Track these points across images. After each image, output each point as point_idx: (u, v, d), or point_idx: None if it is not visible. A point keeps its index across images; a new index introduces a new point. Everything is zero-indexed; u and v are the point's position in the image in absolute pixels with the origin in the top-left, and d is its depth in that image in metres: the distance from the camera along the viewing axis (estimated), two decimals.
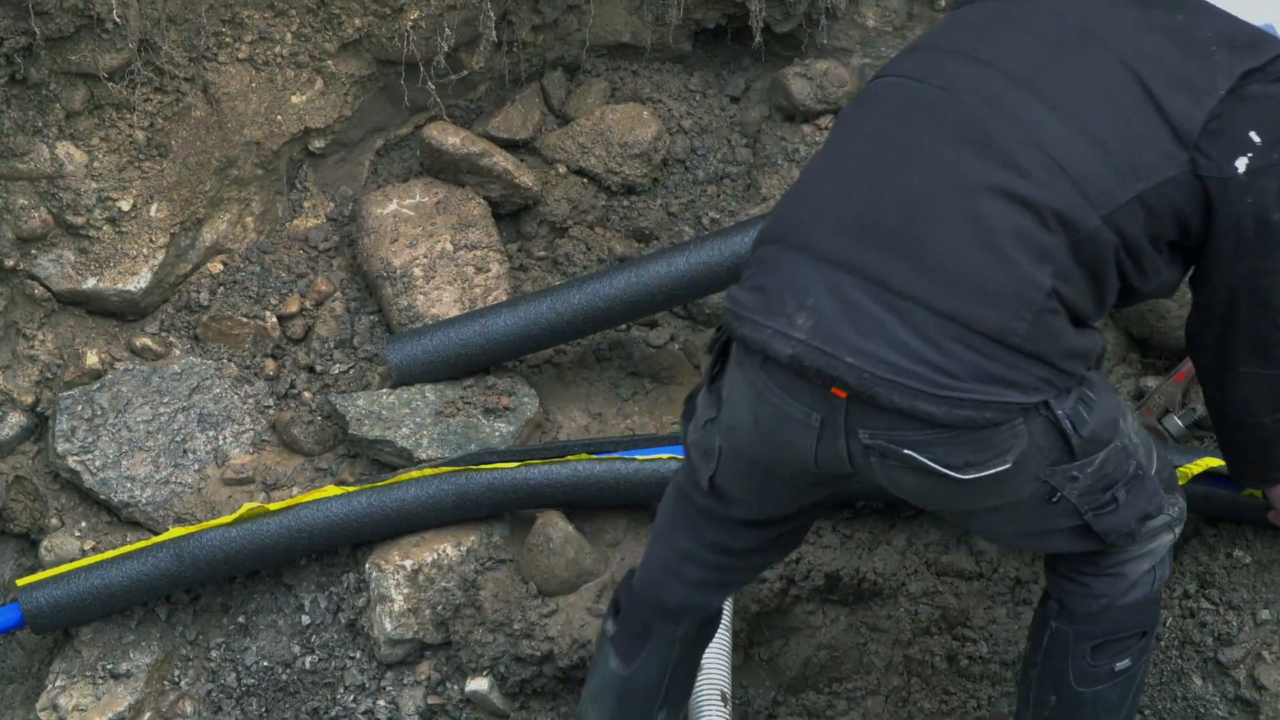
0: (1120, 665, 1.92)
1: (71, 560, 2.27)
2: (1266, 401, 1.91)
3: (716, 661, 2.29)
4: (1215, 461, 2.17)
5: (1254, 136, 1.67)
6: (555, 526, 2.36)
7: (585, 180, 2.49)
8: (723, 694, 2.28)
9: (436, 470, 2.28)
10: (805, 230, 1.68)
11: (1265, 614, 2.36)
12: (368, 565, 2.30)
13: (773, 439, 1.72)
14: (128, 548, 2.25)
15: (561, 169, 2.49)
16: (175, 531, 2.25)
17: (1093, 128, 1.65)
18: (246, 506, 2.25)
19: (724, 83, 2.59)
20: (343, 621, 2.35)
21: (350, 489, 2.28)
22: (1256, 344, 1.83)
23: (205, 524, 2.24)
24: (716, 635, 2.24)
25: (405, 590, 2.28)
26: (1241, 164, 1.67)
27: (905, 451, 1.62)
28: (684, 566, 1.96)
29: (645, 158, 2.47)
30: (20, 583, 2.21)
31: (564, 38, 2.51)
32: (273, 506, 2.26)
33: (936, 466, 1.62)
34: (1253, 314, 1.80)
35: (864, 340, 1.59)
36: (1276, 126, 1.69)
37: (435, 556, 2.29)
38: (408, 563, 2.28)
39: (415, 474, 2.27)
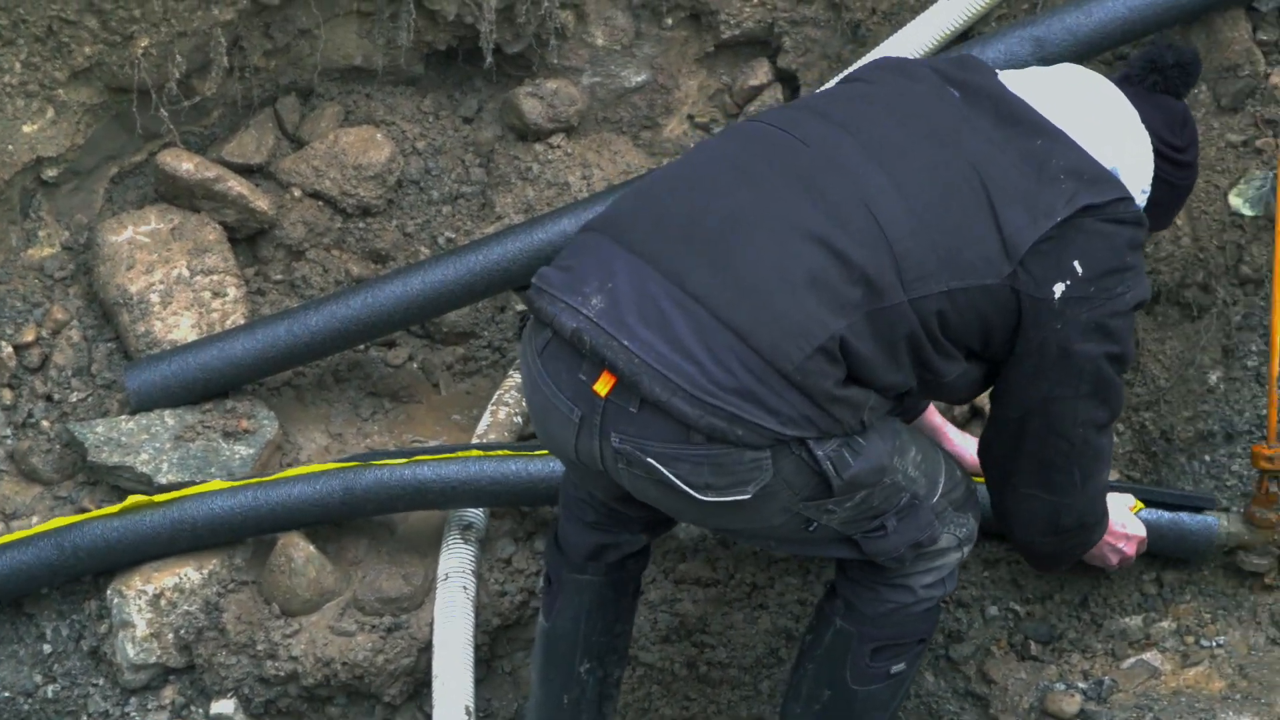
0: (896, 668, 2.63)
1: None
2: (1041, 525, 2.60)
3: (459, 675, 3.24)
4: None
5: (1077, 266, 2.30)
6: (297, 547, 3.24)
7: (321, 203, 3.39)
8: (466, 708, 3.23)
9: (324, 467, 3.14)
10: (625, 224, 2.32)
11: (993, 610, 3.24)
12: (109, 591, 3.09)
13: (544, 428, 2.40)
14: (8, 537, 3.08)
15: (297, 192, 3.39)
16: (57, 521, 3.07)
17: (926, 214, 2.26)
18: (131, 499, 3.04)
19: (457, 104, 3.50)
20: (85, 649, 3.15)
21: (235, 483, 3.12)
22: (1039, 468, 2.49)
23: (89, 514, 3.07)
24: (460, 648, 3.19)
25: (147, 615, 3.10)
26: (1059, 289, 2.30)
27: (649, 460, 2.23)
28: (581, 510, 2.70)
29: (380, 179, 3.38)
30: None
31: (296, 62, 3.39)
32: (159, 498, 3.06)
33: (677, 482, 2.23)
34: (1041, 438, 2.44)
35: (644, 329, 2.19)
36: (1100, 263, 2.32)
37: (177, 580, 3.11)
38: (149, 587, 3.10)
39: (303, 470, 3.14)
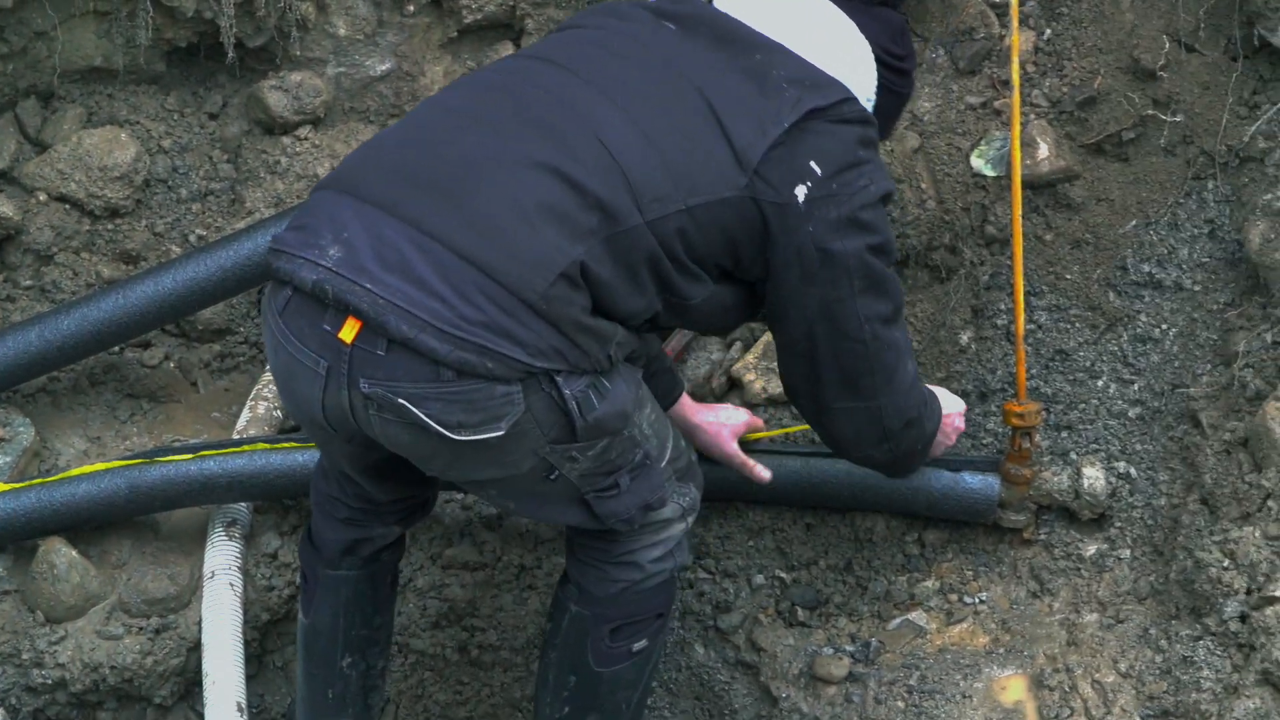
0: (638, 646, 3.15)
1: None
2: (869, 435, 3.08)
3: (229, 673, 3.94)
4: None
5: (814, 166, 2.75)
6: (58, 553, 3.90)
7: (68, 206, 4.02)
8: (238, 704, 3.92)
9: (108, 465, 3.75)
10: (356, 177, 2.71)
11: (759, 579, 3.87)
12: None
13: (289, 390, 2.78)
14: None
15: (42, 197, 4.01)
16: None
17: (657, 139, 2.69)
18: None
19: (201, 100, 4.17)
20: None
21: (19, 485, 3.73)
22: (843, 378, 2.95)
23: None
24: (230, 645, 3.85)
25: None
26: (800, 192, 2.76)
27: (400, 401, 2.60)
28: (333, 507, 3.22)
29: (126, 180, 4.01)
30: None
31: (34, 65, 4.00)
32: None
33: (430, 422, 2.61)
34: (833, 347, 2.90)
35: (386, 273, 2.57)
36: (835, 160, 2.77)
37: None
38: None
39: (86, 469, 3.74)
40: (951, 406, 3.46)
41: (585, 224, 2.66)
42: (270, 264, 2.76)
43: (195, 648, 3.83)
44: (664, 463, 3.01)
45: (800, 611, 3.88)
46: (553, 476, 2.83)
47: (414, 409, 2.64)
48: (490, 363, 2.60)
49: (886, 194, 2.90)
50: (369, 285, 2.60)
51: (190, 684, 3.86)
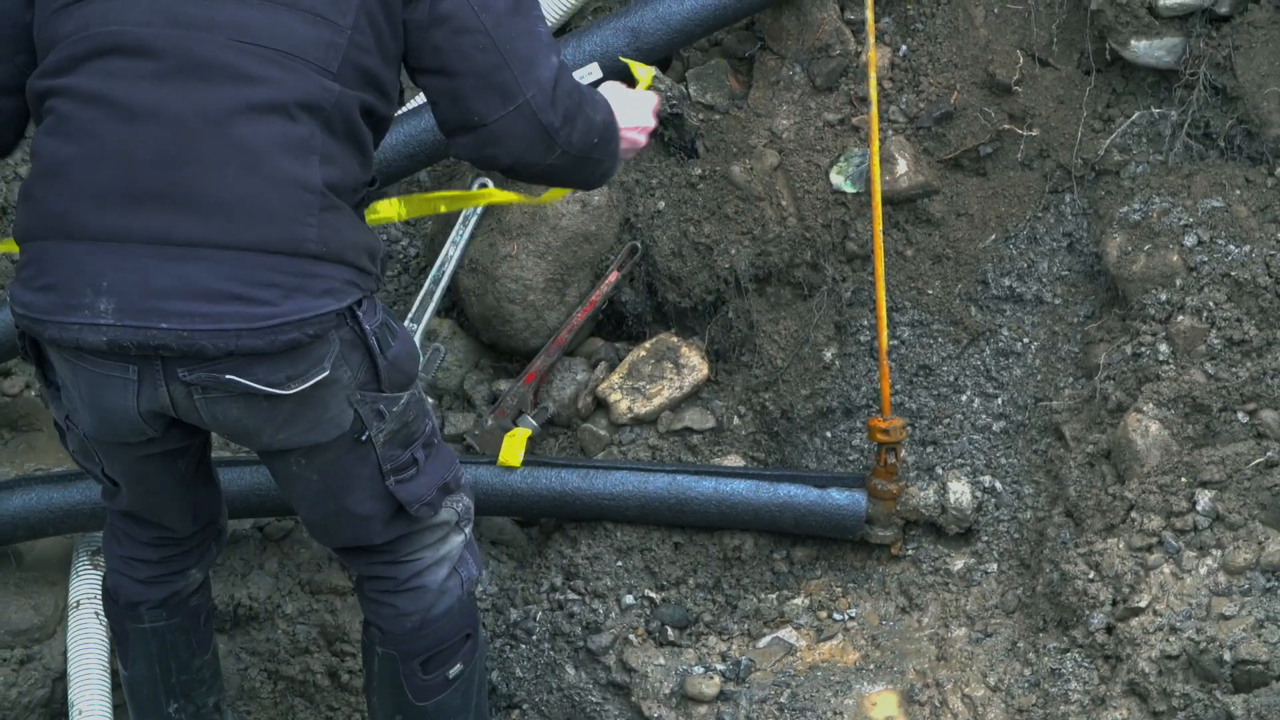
0: (453, 672, 3.27)
1: None
2: (535, 142, 2.98)
3: (95, 703, 4.06)
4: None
5: None
6: None
7: None
8: None
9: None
10: (70, 217, 2.69)
11: (629, 599, 4.05)
12: None
13: (98, 406, 2.83)
14: None
15: None
16: None
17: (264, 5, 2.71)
18: None
19: None
20: None
21: None
22: (482, 86, 2.91)
23: None
24: (96, 676, 4.01)
25: None
26: None
27: (227, 377, 2.71)
28: (131, 569, 3.34)
29: None
30: None
31: None
32: None
33: (258, 386, 2.73)
34: (459, 49, 2.88)
35: (170, 301, 2.64)
36: None
37: None
38: None
39: None
40: (635, 102, 3.39)
41: (302, 136, 2.76)
42: (37, 333, 2.81)
43: (61, 678, 4.00)
44: (443, 444, 3.23)
45: (670, 631, 4.05)
46: (363, 438, 2.97)
47: (240, 379, 2.77)
48: (310, 329, 2.76)
49: None
50: (164, 324, 2.69)
51: (56, 715, 4.05)
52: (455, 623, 3.30)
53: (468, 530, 3.29)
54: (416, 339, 3.96)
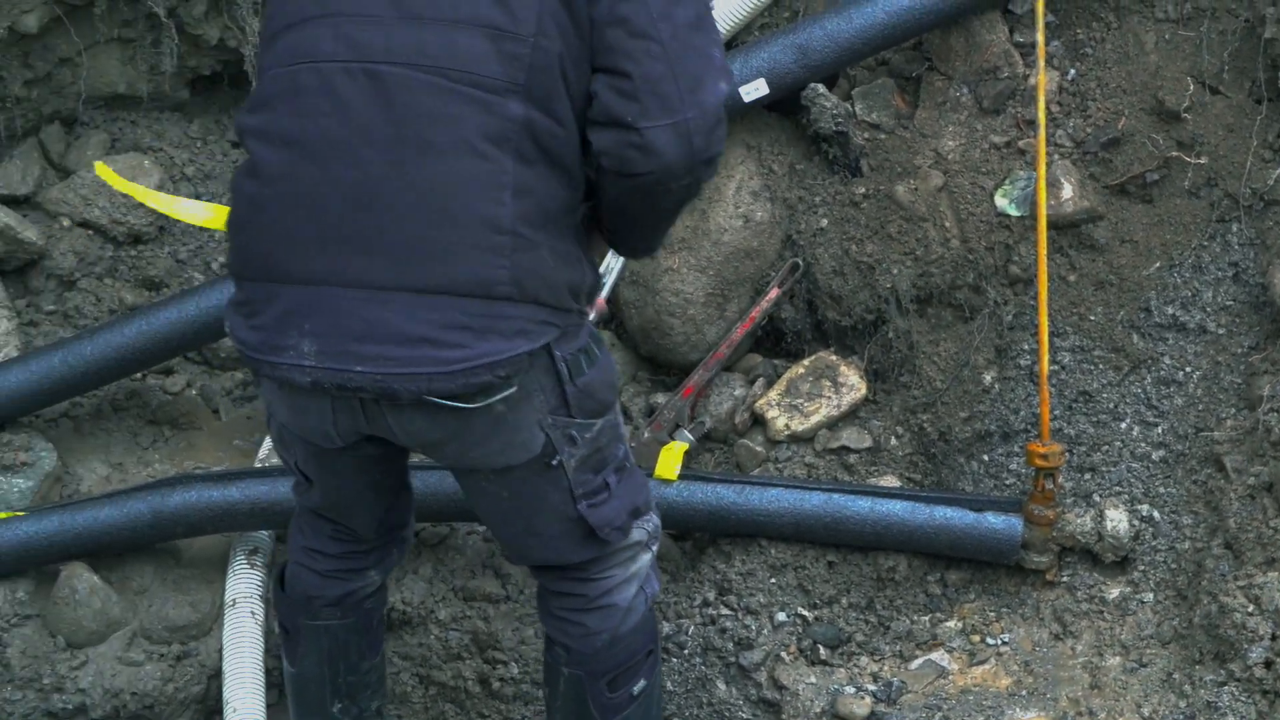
0: (637, 688, 3.35)
1: None
2: (676, 163, 2.92)
3: (250, 701, 4.17)
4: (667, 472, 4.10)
5: None
6: (80, 578, 4.21)
7: (91, 232, 4.38)
8: None
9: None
10: (271, 260, 2.87)
11: (781, 616, 4.17)
12: None
13: (295, 406, 3.00)
14: None
15: (66, 222, 4.37)
16: None
17: (457, 12, 2.79)
18: None
19: (225, 128, 4.52)
20: None
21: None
22: (649, 87, 2.88)
23: None
24: (250, 674, 4.13)
25: None
26: None
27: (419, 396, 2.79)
28: (312, 560, 3.45)
29: (150, 207, 4.53)
30: None
31: (59, 91, 4.37)
32: None
33: (445, 401, 2.81)
34: (631, 51, 2.87)
35: (364, 345, 2.77)
36: None
37: None
38: None
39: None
40: None
41: (491, 170, 2.83)
42: (250, 365, 3.00)
43: (216, 675, 4.14)
44: (635, 466, 3.28)
45: (822, 650, 4.13)
46: (554, 463, 3.05)
47: (431, 396, 2.87)
48: (502, 371, 2.86)
49: None
50: (359, 368, 2.83)
51: (211, 712, 4.19)
52: (640, 639, 3.40)
53: (655, 547, 3.38)
54: None
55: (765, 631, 4.20)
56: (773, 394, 4.27)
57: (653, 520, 3.36)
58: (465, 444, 3.01)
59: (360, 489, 3.36)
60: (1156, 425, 4.16)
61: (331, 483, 3.34)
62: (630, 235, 3.27)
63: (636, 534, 3.30)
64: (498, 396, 2.89)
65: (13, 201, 4.46)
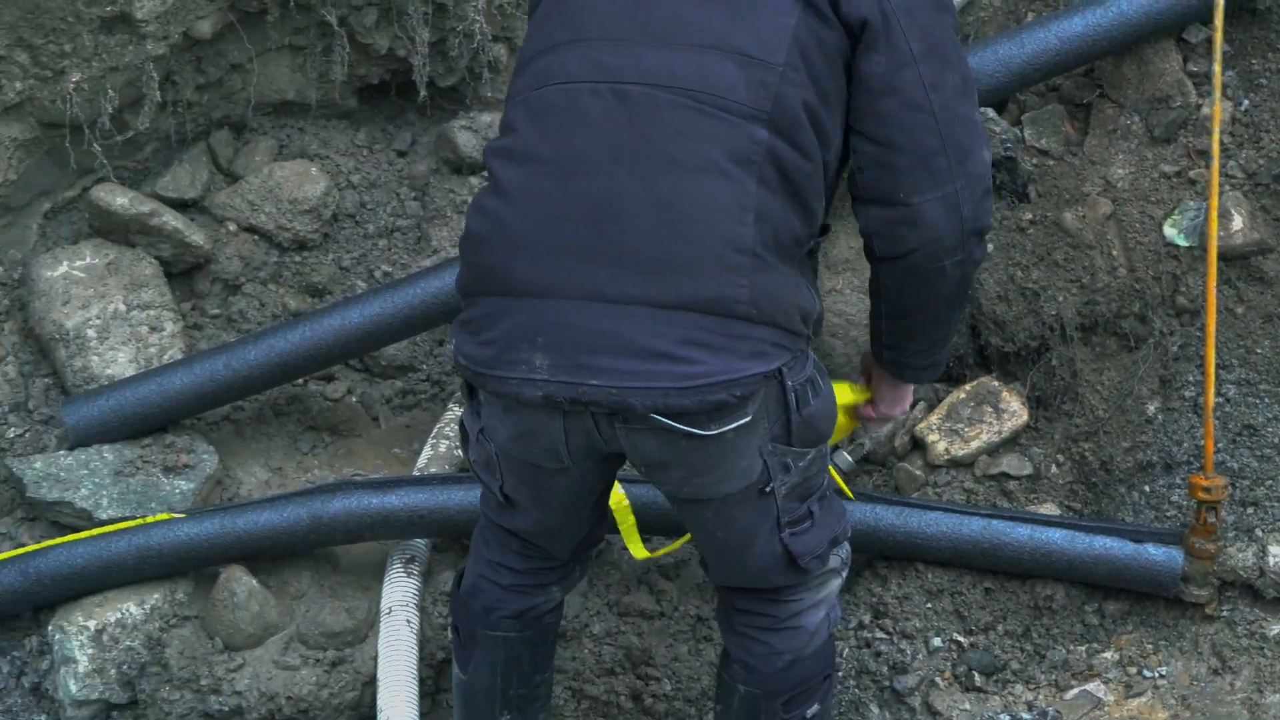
0: (811, 711, 3.41)
1: None
2: (947, 236, 3.04)
3: (403, 710, 4.27)
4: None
5: None
6: (239, 581, 4.31)
7: (256, 237, 4.51)
8: None
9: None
10: (506, 275, 2.91)
11: (937, 641, 4.24)
12: (50, 627, 4.14)
13: (525, 431, 3.02)
14: None
15: (232, 227, 4.50)
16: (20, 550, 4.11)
17: (709, 39, 2.89)
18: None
19: (391, 137, 4.65)
20: (26, 685, 4.22)
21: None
22: (918, 161, 2.99)
23: (52, 541, 4.10)
24: (405, 682, 4.22)
25: (90, 651, 4.14)
26: None
27: (650, 415, 2.84)
28: (496, 573, 3.49)
29: (315, 213, 4.48)
30: None
31: (229, 96, 4.49)
32: (119, 525, 4.09)
33: (679, 426, 2.85)
34: (904, 124, 2.98)
35: (600, 358, 2.81)
36: None
37: (119, 616, 4.16)
38: (91, 623, 4.14)
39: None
40: None
41: (734, 191, 2.87)
42: (478, 384, 3.04)
43: (370, 683, 4.22)
44: (835, 495, 3.35)
45: (977, 676, 4.19)
46: (767, 489, 3.09)
47: (664, 418, 2.90)
48: (738, 390, 2.88)
49: None
50: (595, 381, 2.86)
51: (365, 718, 4.23)
52: (819, 663, 3.44)
53: (844, 574, 3.44)
54: None
55: (920, 656, 4.26)
56: (933, 418, 4.32)
57: (845, 548, 3.42)
58: (691, 470, 3.05)
59: (568, 513, 3.40)
60: None
61: (540, 508, 3.38)
62: (912, 342, 3.36)
63: (831, 561, 3.36)
64: (731, 425, 2.93)
65: (181, 205, 4.57)
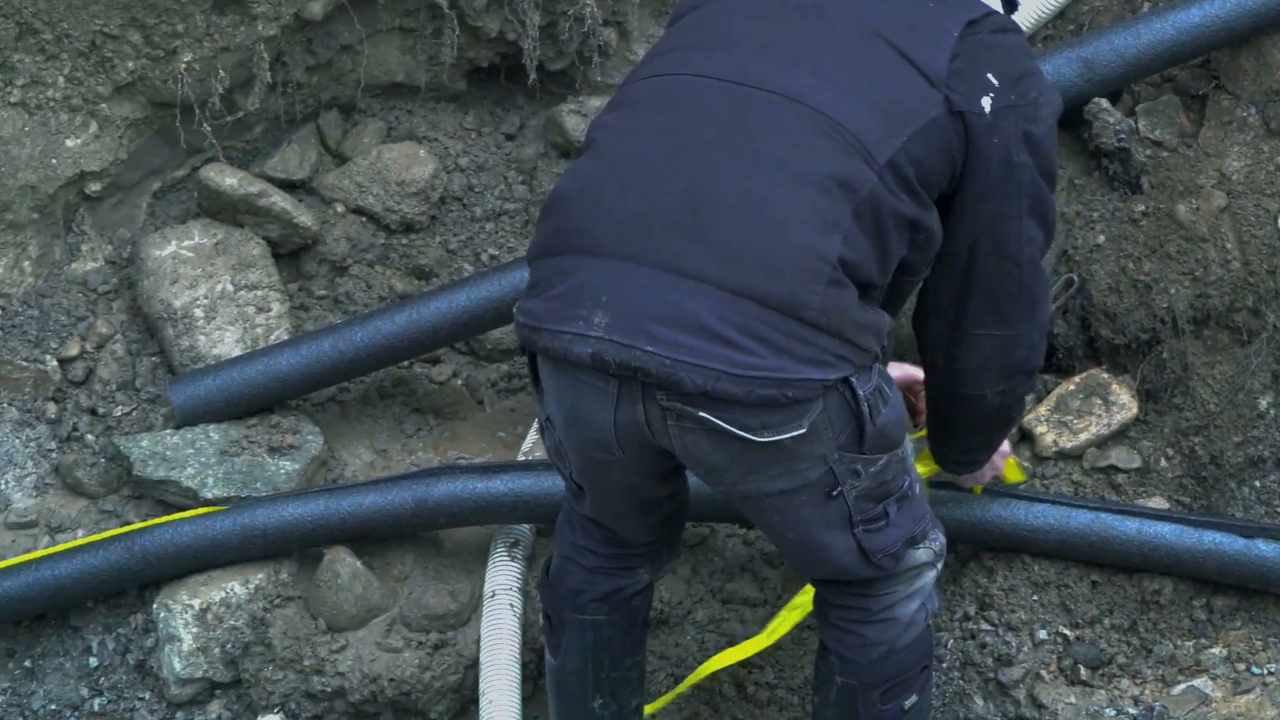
0: (909, 703, 3.40)
1: None
2: (994, 367, 3.29)
3: (506, 694, 4.31)
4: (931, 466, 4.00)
5: (991, 78, 3.03)
6: (343, 563, 4.33)
7: (364, 219, 4.55)
8: None
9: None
10: (588, 235, 2.92)
11: (1043, 634, 4.24)
12: (155, 605, 4.20)
13: (576, 413, 3.02)
14: (78, 541, 4.18)
15: (340, 208, 4.55)
16: (129, 527, 4.19)
17: (852, 85, 2.95)
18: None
19: (499, 120, 4.69)
20: (131, 662, 4.28)
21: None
22: (992, 301, 3.19)
23: (160, 519, 4.14)
24: (507, 666, 4.25)
25: (194, 630, 4.19)
26: (986, 103, 3.02)
27: (701, 414, 2.85)
28: (581, 556, 3.52)
29: (423, 196, 4.52)
30: None
31: (338, 78, 4.56)
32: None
33: (731, 429, 2.85)
34: (991, 265, 3.16)
35: (661, 327, 2.79)
36: (1008, 70, 3.07)
37: (223, 595, 4.21)
38: (196, 602, 4.19)
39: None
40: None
41: (831, 210, 2.89)
42: (531, 341, 3.02)
43: (472, 666, 4.27)
44: (918, 494, 3.32)
45: (1083, 670, 4.20)
46: (834, 493, 3.09)
47: (715, 419, 2.90)
48: (790, 391, 2.87)
49: (1056, 110, 3.21)
50: (649, 348, 2.84)
51: (466, 702, 4.31)
52: (916, 654, 3.45)
53: (939, 566, 3.43)
54: None
55: (1025, 649, 4.26)
56: (1042, 409, 4.33)
57: (938, 540, 3.40)
58: (746, 470, 3.05)
59: (630, 503, 3.42)
60: None
61: (603, 497, 3.41)
62: (952, 440, 3.62)
63: (922, 555, 3.35)
64: (787, 435, 2.94)
65: (289, 186, 4.63)
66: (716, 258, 2.85)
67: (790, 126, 2.93)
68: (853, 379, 2.95)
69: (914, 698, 3.46)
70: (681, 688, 4.04)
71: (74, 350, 4.49)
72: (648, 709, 3.91)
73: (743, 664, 4.32)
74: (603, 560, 3.57)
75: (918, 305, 3.33)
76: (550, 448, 3.37)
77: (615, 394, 2.96)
